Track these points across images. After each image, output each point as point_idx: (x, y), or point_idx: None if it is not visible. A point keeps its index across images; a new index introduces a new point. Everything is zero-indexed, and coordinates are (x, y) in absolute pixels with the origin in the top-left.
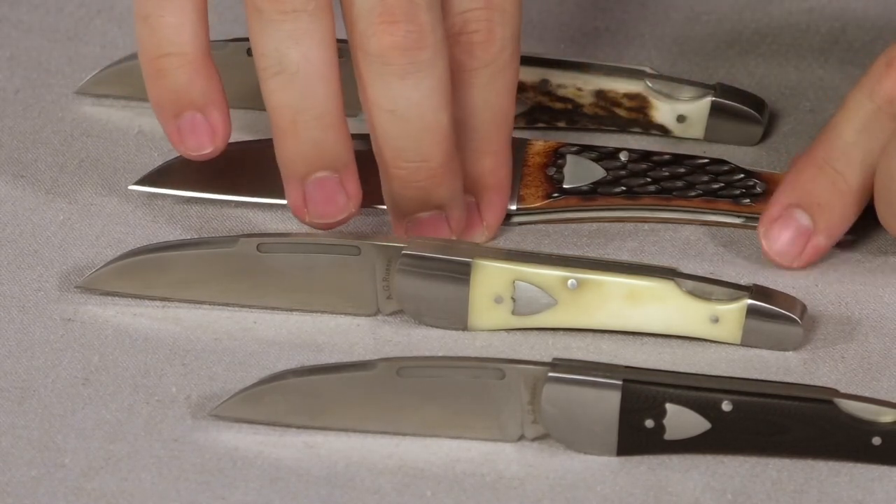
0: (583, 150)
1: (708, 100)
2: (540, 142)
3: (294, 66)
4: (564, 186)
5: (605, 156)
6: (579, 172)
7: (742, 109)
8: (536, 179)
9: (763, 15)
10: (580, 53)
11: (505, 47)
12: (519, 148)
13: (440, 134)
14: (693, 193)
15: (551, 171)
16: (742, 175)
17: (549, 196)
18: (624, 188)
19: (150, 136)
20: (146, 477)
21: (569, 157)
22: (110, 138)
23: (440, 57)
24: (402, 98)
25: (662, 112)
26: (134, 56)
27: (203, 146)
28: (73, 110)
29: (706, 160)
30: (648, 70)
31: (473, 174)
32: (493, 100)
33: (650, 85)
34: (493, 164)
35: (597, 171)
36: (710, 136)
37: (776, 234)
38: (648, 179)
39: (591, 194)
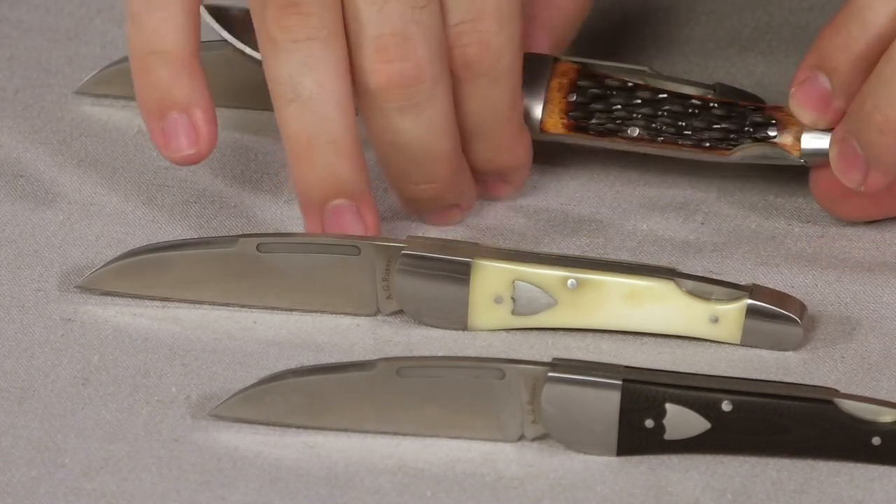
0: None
1: None
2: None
3: (308, 93)
4: None
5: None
6: None
7: None
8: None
9: (763, 14)
10: (580, 53)
11: (502, 56)
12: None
13: (443, 158)
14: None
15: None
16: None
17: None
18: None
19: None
20: (146, 477)
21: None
22: (110, 138)
23: (440, 86)
24: (403, 131)
25: None
26: None
27: (186, 149)
28: (73, 110)
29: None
30: (648, 70)
31: (492, 168)
32: (495, 106)
33: None
34: (509, 155)
35: None
36: None
37: (802, 96)
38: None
39: None
